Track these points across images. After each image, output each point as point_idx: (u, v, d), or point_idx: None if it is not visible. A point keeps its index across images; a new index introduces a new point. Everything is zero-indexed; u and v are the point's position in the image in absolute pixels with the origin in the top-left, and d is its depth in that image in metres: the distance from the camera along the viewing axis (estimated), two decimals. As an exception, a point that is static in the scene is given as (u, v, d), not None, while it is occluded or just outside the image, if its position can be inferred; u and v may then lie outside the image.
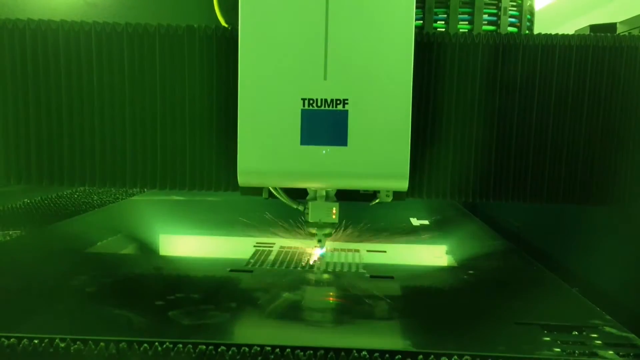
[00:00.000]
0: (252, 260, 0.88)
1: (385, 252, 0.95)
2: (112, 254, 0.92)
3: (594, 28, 0.73)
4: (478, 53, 0.67)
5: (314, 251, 0.82)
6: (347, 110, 0.62)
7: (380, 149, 0.62)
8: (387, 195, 0.69)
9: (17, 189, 0.71)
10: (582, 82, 0.68)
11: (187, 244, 1.05)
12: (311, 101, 0.62)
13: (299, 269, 0.81)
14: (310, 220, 0.71)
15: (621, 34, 0.70)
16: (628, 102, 0.68)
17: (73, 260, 0.84)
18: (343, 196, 0.72)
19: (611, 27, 0.73)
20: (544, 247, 0.95)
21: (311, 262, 0.83)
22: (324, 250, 0.80)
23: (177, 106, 0.69)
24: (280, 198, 0.71)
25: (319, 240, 0.73)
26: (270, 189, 0.70)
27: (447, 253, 0.98)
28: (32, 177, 0.70)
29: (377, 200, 0.71)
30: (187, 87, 0.68)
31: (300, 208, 0.72)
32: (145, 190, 0.72)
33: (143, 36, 0.68)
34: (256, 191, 0.70)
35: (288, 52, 0.61)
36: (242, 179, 0.64)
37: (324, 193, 0.70)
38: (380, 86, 0.62)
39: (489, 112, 0.68)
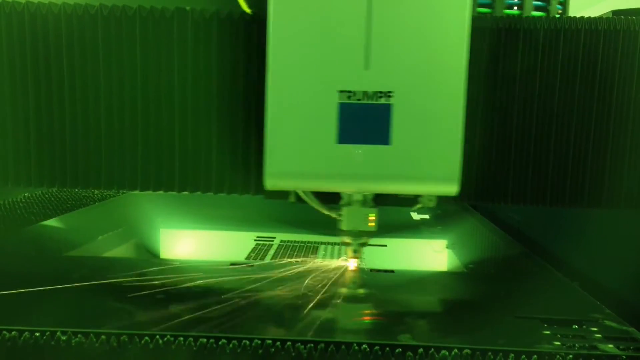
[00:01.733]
0: (252, 255, 0.88)
1: (385, 246, 0.95)
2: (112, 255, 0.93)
3: (616, 13, 0.69)
4: (485, 38, 0.62)
5: (347, 262, 0.70)
6: (391, 104, 0.54)
7: (428, 149, 0.55)
8: (431, 200, 0.62)
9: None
10: (611, 70, 0.62)
11: (187, 238, 1.05)
12: (350, 94, 0.54)
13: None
14: (344, 229, 0.62)
15: None
16: None
17: (72, 255, 0.84)
18: (379, 200, 0.63)
19: (636, 12, 0.69)
20: (544, 241, 0.95)
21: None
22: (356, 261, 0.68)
23: (163, 99, 0.63)
24: (310, 203, 0.63)
25: (355, 251, 0.65)
26: (300, 192, 0.62)
27: (447, 247, 0.98)
28: (20, 173, 0.66)
29: (419, 206, 0.63)
30: (177, 77, 0.63)
31: (333, 214, 0.63)
32: (122, 192, 0.69)
33: (121, 20, 0.62)
34: (282, 194, 0.63)
35: (324, 39, 0.54)
36: (271, 182, 0.57)
37: (360, 197, 0.62)
38: (429, 78, 0.54)
39: (498, 106, 0.63)
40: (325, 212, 0.64)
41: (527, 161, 0.64)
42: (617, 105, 0.64)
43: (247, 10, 0.65)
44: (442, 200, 0.65)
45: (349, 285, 0.67)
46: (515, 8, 0.68)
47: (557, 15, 0.68)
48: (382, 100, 0.55)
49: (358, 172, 0.56)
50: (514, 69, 0.63)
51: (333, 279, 0.69)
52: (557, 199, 0.65)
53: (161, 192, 0.70)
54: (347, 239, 0.64)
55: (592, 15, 0.67)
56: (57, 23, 0.63)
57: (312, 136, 0.55)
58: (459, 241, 0.98)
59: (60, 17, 0.63)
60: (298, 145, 0.56)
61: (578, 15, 0.65)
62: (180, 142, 0.64)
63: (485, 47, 0.63)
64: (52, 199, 1.24)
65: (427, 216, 1.18)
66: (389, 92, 0.55)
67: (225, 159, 0.64)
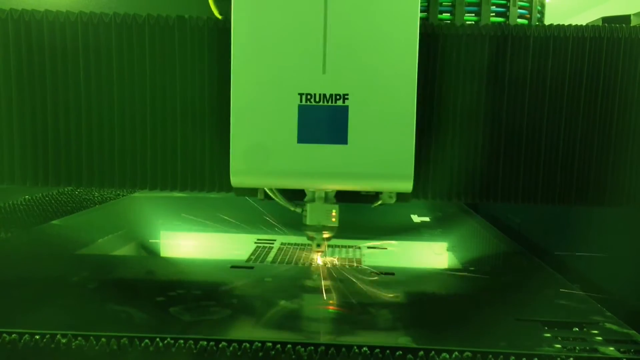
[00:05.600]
0: (252, 257, 0.88)
1: (386, 249, 0.95)
2: (112, 255, 0.92)
3: (606, 20, 0.71)
4: (485, 45, 0.64)
5: (315, 255, 0.77)
6: (347, 106, 0.58)
7: (383, 148, 0.58)
8: (390, 197, 0.64)
9: (16, 186, 0.71)
10: (596, 76, 0.65)
11: (188, 241, 1.05)
12: (309, 96, 0.58)
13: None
14: (308, 224, 0.67)
15: (638, 26, 0.67)
16: None
17: (72, 258, 0.84)
18: (343, 197, 0.67)
19: (625, 18, 0.71)
20: (545, 244, 0.95)
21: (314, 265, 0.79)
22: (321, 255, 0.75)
23: (168, 101, 0.66)
24: (276, 199, 0.67)
25: (318, 245, 0.68)
26: (266, 190, 0.66)
27: (447, 250, 0.98)
28: (15, 176, 0.67)
29: (379, 202, 0.66)
30: (178, 80, 0.65)
31: (298, 210, 0.68)
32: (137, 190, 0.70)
33: (132, 27, 0.65)
34: (251, 192, 0.66)
35: (284, 44, 0.58)
36: (236, 180, 0.61)
37: (323, 194, 0.67)
38: (383, 80, 0.58)
39: (495, 108, 0.65)
40: (292, 208, 0.68)
41: (537, 161, 0.66)
42: (620, 107, 0.65)
43: (219, 16, 0.68)
44: (445, 201, 0.67)
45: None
46: (494, 14, 0.70)
47: (537, 23, 0.71)
48: (339, 103, 0.58)
49: (318, 170, 0.59)
50: (522, 73, 0.65)
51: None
52: (564, 198, 0.67)
53: (161, 193, 0.71)
54: (311, 234, 0.68)
55: (589, 20, 0.69)
56: (62, 30, 0.65)
57: (274, 136, 0.59)
58: (459, 243, 0.98)
59: (65, 24, 0.65)
60: (261, 145, 0.59)
61: (572, 21, 0.67)
62: (181, 143, 0.66)
63: (489, 52, 0.65)
64: (53, 202, 1.24)
65: (427, 218, 1.18)
66: (346, 94, 0.58)
67: (215, 158, 0.66)
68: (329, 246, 0.93)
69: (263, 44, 0.58)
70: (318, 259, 0.76)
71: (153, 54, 0.65)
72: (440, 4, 0.68)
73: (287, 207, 0.68)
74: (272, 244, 0.96)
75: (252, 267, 0.80)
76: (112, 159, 0.67)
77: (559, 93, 0.65)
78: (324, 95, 0.58)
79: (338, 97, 0.58)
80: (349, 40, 0.58)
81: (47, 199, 1.27)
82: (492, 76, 0.65)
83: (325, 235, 0.68)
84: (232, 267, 0.79)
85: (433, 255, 0.98)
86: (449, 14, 0.69)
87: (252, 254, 0.91)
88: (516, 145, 0.66)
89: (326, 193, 0.66)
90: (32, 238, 0.95)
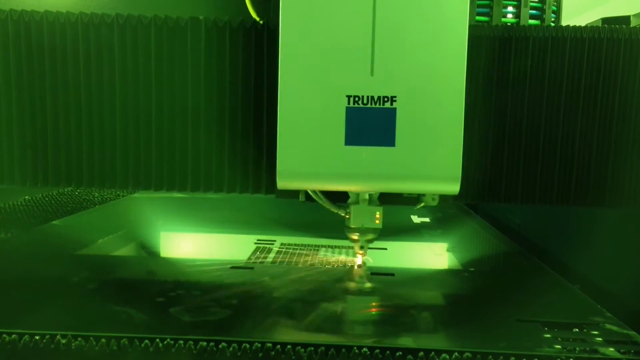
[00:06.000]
0: (252, 257, 0.88)
1: (386, 249, 0.95)
2: (112, 256, 0.92)
3: (606, 21, 0.71)
4: (485, 46, 0.65)
5: (355, 259, 0.75)
6: (395, 109, 0.58)
7: (431, 150, 0.58)
8: (433, 199, 0.65)
9: (16, 187, 0.71)
10: (596, 77, 0.65)
11: (188, 241, 1.05)
12: (357, 98, 0.58)
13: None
14: (352, 226, 0.66)
15: (637, 27, 0.67)
16: None
17: (72, 258, 0.84)
18: (384, 200, 0.67)
19: (625, 19, 0.71)
20: (545, 245, 0.95)
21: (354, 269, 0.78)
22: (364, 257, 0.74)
23: (177, 104, 0.66)
24: (320, 202, 0.67)
25: (361, 247, 0.69)
26: (310, 191, 0.66)
27: (447, 250, 0.98)
28: (15, 177, 0.68)
29: (421, 204, 0.66)
30: (190, 83, 0.66)
31: (341, 212, 0.67)
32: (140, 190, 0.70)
33: (137, 28, 0.65)
34: (293, 194, 0.66)
35: (332, 47, 0.58)
36: (282, 182, 0.60)
37: (367, 196, 0.66)
38: (430, 83, 0.58)
39: (495, 109, 0.66)
40: (334, 210, 0.68)
41: (535, 162, 0.67)
42: (620, 108, 0.66)
43: (258, 19, 0.68)
44: (444, 201, 0.67)
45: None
46: (510, 16, 0.71)
47: (552, 24, 0.71)
48: (387, 105, 0.58)
49: (365, 172, 0.59)
50: (521, 74, 0.66)
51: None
52: (563, 198, 0.67)
53: (160, 193, 0.71)
54: (354, 236, 0.68)
55: (589, 20, 0.69)
56: (63, 31, 0.65)
57: (321, 138, 0.59)
58: (459, 244, 0.98)
59: (65, 25, 0.65)
60: (308, 147, 0.59)
61: (572, 21, 0.68)
62: (193, 145, 0.67)
63: (489, 53, 0.65)
64: (53, 202, 1.24)
65: (427, 219, 1.18)
66: (393, 96, 0.58)
67: (237, 162, 0.67)
68: (327, 246, 0.93)
69: (310, 46, 0.58)
70: (358, 260, 0.74)
71: (158, 55, 0.65)
72: None
73: (329, 209, 0.68)
74: (272, 244, 0.96)
75: (252, 268, 0.80)
76: (113, 160, 0.67)
77: (557, 93, 0.66)
78: (372, 97, 0.58)
79: (386, 99, 0.58)
80: (396, 42, 0.58)
81: (47, 199, 1.27)
82: (490, 77, 0.65)
83: (369, 237, 0.68)
84: (232, 267, 0.79)
85: (433, 255, 0.98)
86: (486, 17, 0.69)
87: (252, 254, 0.91)
88: (515, 146, 0.67)
89: (370, 195, 0.66)
90: (32, 238, 0.95)
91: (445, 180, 0.60)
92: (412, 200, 0.67)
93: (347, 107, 0.58)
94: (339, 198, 0.68)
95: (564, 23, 0.67)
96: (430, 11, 0.58)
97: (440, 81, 0.58)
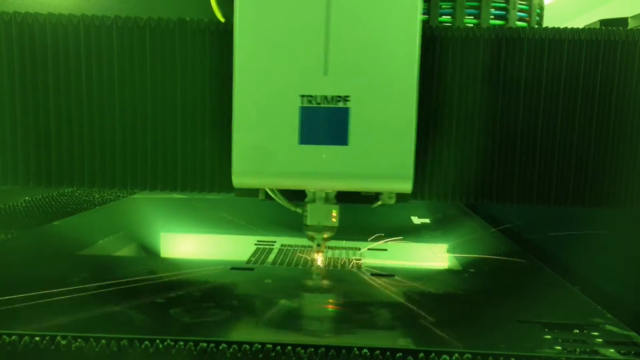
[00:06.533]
0: (252, 259, 0.88)
1: (386, 250, 0.95)
2: (112, 256, 0.92)
3: (604, 23, 0.71)
4: (481, 48, 0.65)
5: (316, 255, 0.78)
6: (348, 108, 0.59)
7: (383, 149, 0.59)
8: (390, 197, 0.65)
9: (18, 187, 0.71)
10: (593, 79, 0.65)
11: (187, 242, 1.05)
12: (310, 98, 0.59)
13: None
14: (308, 224, 0.68)
15: (634, 29, 0.68)
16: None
17: (72, 259, 0.84)
18: (343, 198, 0.68)
19: (622, 21, 0.72)
20: (545, 245, 0.95)
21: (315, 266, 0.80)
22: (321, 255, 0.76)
23: (169, 103, 0.67)
24: (278, 200, 0.68)
25: (318, 245, 0.70)
26: (267, 190, 0.67)
27: (447, 251, 0.98)
28: (19, 177, 0.68)
29: (379, 203, 0.67)
30: (179, 82, 0.66)
31: (299, 210, 0.69)
32: (137, 190, 0.70)
33: (133, 30, 0.66)
34: (252, 192, 0.67)
35: (286, 47, 0.58)
36: (237, 180, 0.61)
37: (324, 195, 0.67)
38: (383, 82, 0.59)
39: (492, 109, 0.66)
40: (292, 208, 0.69)
41: (532, 162, 0.67)
42: (617, 108, 0.66)
43: (221, 19, 0.69)
44: (444, 203, 0.67)
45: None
46: (493, 17, 0.71)
47: (536, 26, 0.72)
48: (340, 104, 0.59)
49: (319, 171, 0.60)
50: (517, 75, 0.66)
51: None
52: (560, 199, 0.67)
53: (160, 194, 0.71)
54: (311, 233, 0.69)
55: (588, 22, 0.69)
56: (65, 33, 0.66)
57: (276, 137, 0.59)
58: (459, 245, 0.98)
59: (67, 26, 0.66)
60: (263, 146, 0.60)
61: (570, 24, 0.68)
62: (181, 145, 0.67)
63: (485, 55, 0.65)
64: (53, 203, 1.24)
65: (427, 220, 1.18)
66: (347, 96, 0.59)
67: (215, 160, 0.67)
68: (331, 247, 0.93)
69: (265, 46, 0.59)
70: (318, 259, 0.77)
71: (154, 56, 0.66)
72: (441, 7, 0.69)
73: (287, 208, 0.69)
74: (273, 245, 0.96)
75: (252, 269, 0.80)
76: (113, 160, 0.68)
77: (554, 95, 0.66)
78: (325, 97, 0.59)
79: (339, 98, 0.59)
80: (350, 42, 0.58)
81: (47, 200, 1.27)
82: (488, 78, 0.66)
83: (325, 235, 0.69)
84: (232, 268, 0.79)
85: (433, 256, 0.98)
86: (449, 17, 0.69)
87: (252, 255, 0.91)
88: (515, 147, 0.67)
89: (327, 193, 0.67)
90: (32, 239, 0.95)
91: (398, 179, 0.60)
92: (369, 198, 0.68)
93: (301, 107, 0.59)
94: (298, 196, 0.69)
95: (562, 25, 0.67)
96: (383, 11, 0.58)
97: (392, 81, 0.59)
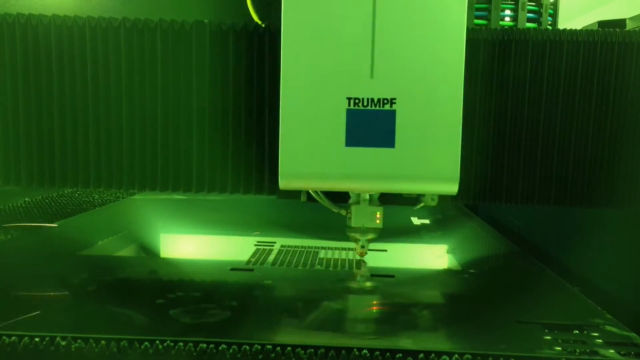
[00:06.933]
0: (252, 259, 0.88)
1: (386, 250, 0.95)
2: (112, 257, 0.92)
3: (602, 24, 0.72)
4: (481, 48, 0.65)
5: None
6: (394, 110, 0.59)
7: (430, 151, 0.59)
8: (433, 199, 0.66)
9: (17, 188, 0.71)
10: (590, 79, 0.66)
11: (188, 243, 1.05)
12: (357, 100, 0.59)
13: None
14: (353, 225, 0.68)
15: (631, 30, 0.68)
16: (638, 100, 0.66)
17: (71, 260, 0.84)
18: (385, 200, 0.68)
19: (620, 23, 0.72)
20: (545, 246, 0.95)
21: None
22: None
23: (172, 104, 0.67)
24: (321, 202, 0.68)
25: (362, 246, 0.70)
26: (311, 192, 0.67)
27: (447, 252, 0.98)
28: (22, 178, 0.68)
29: (421, 204, 0.67)
30: (195, 86, 0.66)
31: (342, 212, 0.69)
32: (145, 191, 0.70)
33: (143, 32, 0.66)
34: (295, 194, 0.67)
35: (333, 49, 0.59)
36: (284, 182, 0.61)
37: (367, 197, 0.67)
38: (429, 85, 0.59)
39: (492, 110, 0.66)
40: (335, 210, 0.69)
41: (532, 163, 0.67)
42: (615, 109, 0.66)
43: (259, 22, 0.69)
44: (445, 203, 0.67)
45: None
46: (508, 19, 0.71)
47: (549, 27, 0.72)
48: (387, 107, 0.59)
49: (365, 173, 0.60)
50: (520, 76, 0.66)
51: None
52: (560, 199, 0.68)
53: (160, 195, 0.72)
54: (355, 235, 0.69)
55: (586, 23, 0.70)
56: (70, 34, 0.66)
57: (322, 140, 0.60)
58: (459, 246, 0.98)
59: (72, 28, 0.66)
60: (309, 148, 0.60)
61: (569, 24, 0.69)
62: (197, 146, 0.68)
63: (489, 56, 0.66)
64: (53, 204, 1.24)
65: (427, 221, 1.18)
66: (393, 98, 0.59)
67: (241, 163, 0.68)
68: (330, 248, 0.93)
69: (311, 48, 0.59)
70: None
71: (164, 58, 0.66)
72: None
73: (330, 209, 0.69)
74: (272, 246, 0.96)
75: (252, 270, 0.80)
76: (119, 161, 0.68)
77: (554, 95, 0.66)
78: (372, 99, 0.59)
79: (385, 101, 0.59)
80: (396, 45, 0.59)
81: (47, 201, 1.27)
82: (488, 79, 0.66)
83: (369, 237, 0.69)
84: (232, 269, 0.79)
85: (433, 257, 0.98)
86: (484, 20, 0.70)
87: (252, 256, 0.91)
88: (514, 147, 0.67)
89: (370, 195, 0.67)
90: (32, 240, 0.95)
91: (444, 181, 0.61)
92: (411, 200, 0.68)
93: (347, 109, 0.59)
94: (340, 198, 0.69)
95: (561, 26, 0.67)
96: (429, 14, 0.58)
97: (438, 83, 0.59)
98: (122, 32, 0.66)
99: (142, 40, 0.66)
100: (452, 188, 0.61)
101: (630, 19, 0.73)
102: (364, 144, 0.60)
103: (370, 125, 0.59)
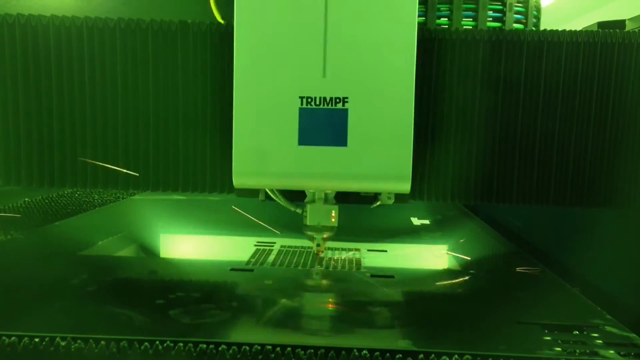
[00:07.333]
0: (252, 260, 0.88)
1: (386, 251, 0.95)
2: (112, 257, 0.92)
3: (602, 25, 0.72)
4: (479, 50, 0.66)
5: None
6: (347, 109, 0.59)
7: (382, 150, 0.60)
8: (389, 198, 0.66)
9: (17, 188, 0.71)
10: (590, 80, 0.66)
11: (187, 243, 1.05)
12: (309, 99, 0.59)
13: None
14: (308, 224, 0.69)
15: (631, 31, 0.68)
16: (637, 101, 0.66)
17: (71, 260, 0.84)
18: (342, 199, 0.69)
19: (620, 24, 0.72)
20: (545, 247, 0.95)
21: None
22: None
23: (171, 104, 0.67)
24: (277, 200, 0.68)
25: (318, 245, 0.70)
26: (267, 190, 0.67)
27: (447, 252, 0.98)
28: (22, 177, 0.68)
29: (378, 203, 0.68)
30: (181, 84, 0.66)
31: (298, 211, 0.69)
32: (145, 191, 0.71)
33: (136, 32, 0.66)
34: (252, 193, 0.67)
35: (285, 49, 0.59)
36: (238, 181, 0.62)
37: (323, 195, 0.68)
38: (381, 84, 0.59)
39: (491, 111, 0.66)
40: (292, 208, 0.70)
41: (531, 163, 0.67)
42: (614, 110, 0.66)
43: (221, 21, 0.69)
44: (444, 204, 0.67)
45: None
46: (490, 19, 0.71)
47: (533, 28, 0.72)
48: (339, 106, 0.59)
49: (318, 172, 0.61)
50: (516, 76, 0.66)
51: None
52: (558, 199, 0.68)
53: (160, 195, 0.72)
54: (311, 233, 0.69)
55: (586, 24, 0.70)
56: (68, 35, 0.66)
57: (275, 138, 0.60)
58: (459, 246, 0.98)
59: (70, 29, 0.66)
60: (262, 147, 0.60)
61: (568, 25, 0.69)
62: (198, 147, 0.68)
63: (484, 57, 0.66)
64: (53, 204, 1.24)
65: (427, 221, 1.18)
66: (345, 97, 0.59)
67: (216, 161, 0.68)
68: (330, 248, 0.93)
69: (264, 47, 0.59)
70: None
71: (156, 58, 0.66)
72: (438, 10, 0.69)
73: (287, 208, 0.69)
74: (272, 246, 0.96)
75: (252, 270, 0.80)
76: (116, 161, 0.68)
77: (553, 96, 0.66)
78: (324, 98, 0.59)
79: (338, 100, 0.59)
80: (348, 44, 0.59)
81: (46, 201, 1.27)
82: (487, 80, 0.66)
83: (325, 235, 0.69)
84: (232, 269, 0.79)
85: (433, 257, 0.98)
86: (446, 19, 0.70)
87: (252, 256, 0.91)
88: (513, 148, 0.67)
89: (326, 194, 0.68)
90: (31, 240, 0.95)
91: (396, 179, 0.61)
92: (368, 199, 0.68)
93: (300, 108, 0.60)
94: (298, 197, 0.69)
95: (561, 27, 0.68)
96: (381, 13, 0.59)
97: (390, 83, 0.59)
98: (118, 33, 0.66)
99: (136, 41, 0.66)
100: (405, 186, 0.61)
101: (630, 19, 0.73)
102: (316, 142, 0.60)
103: (323, 124, 0.60)
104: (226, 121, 0.65)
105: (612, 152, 0.67)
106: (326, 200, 0.68)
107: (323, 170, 0.61)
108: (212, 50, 0.66)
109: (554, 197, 0.68)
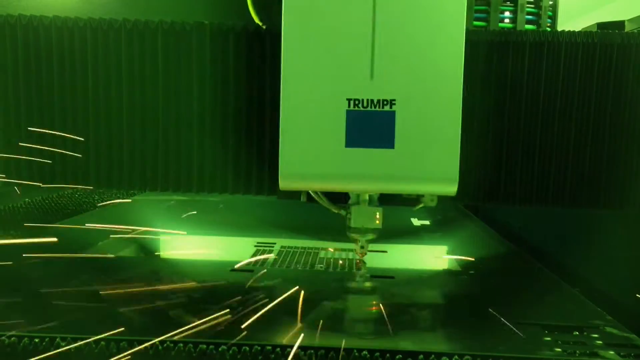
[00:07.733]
0: (252, 260, 0.88)
1: (386, 252, 0.95)
2: (112, 257, 0.92)
3: (601, 26, 0.72)
4: (479, 50, 0.66)
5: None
6: (394, 111, 0.59)
7: (429, 152, 0.60)
8: (432, 200, 0.66)
9: (17, 189, 0.71)
10: (589, 81, 0.66)
11: (188, 244, 1.05)
12: (357, 102, 0.59)
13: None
14: (352, 226, 0.68)
15: (629, 32, 0.69)
16: (636, 102, 0.66)
17: (71, 260, 0.84)
18: (386, 201, 0.68)
19: (619, 24, 0.72)
20: (545, 248, 0.95)
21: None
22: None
23: (183, 106, 0.67)
24: (321, 202, 0.68)
25: (362, 247, 0.70)
26: (311, 192, 0.67)
27: (447, 253, 0.98)
28: (22, 178, 0.69)
29: (421, 205, 0.67)
30: (196, 87, 0.67)
31: (342, 213, 0.69)
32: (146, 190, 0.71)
33: (144, 33, 0.66)
34: (295, 195, 0.67)
35: (333, 51, 0.59)
36: (284, 183, 0.61)
37: (367, 197, 0.67)
38: (429, 86, 0.59)
39: (491, 111, 0.67)
40: (335, 210, 0.69)
41: (531, 164, 0.68)
42: (613, 111, 0.67)
43: (260, 23, 0.70)
44: (446, 203, 0.68)
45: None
46: (507, 21, 0.72)
47: (548, 29, 0.73)
48: (386, 108, 0.59)
49: (364, 174, 0.60)
50: (518, 77, 0.67)
51: None
52: (558, 200, 0.68)
53: (161, 196, 0.73)
54: (355, 236, 0.69)
55: (585, 25, 0.70)
56: (71, 35, 0.67)
57: (322, 140, 0.60)
58: (459, 247, 0.98)
59: (73, 29, 0.67)
60: (309, 149, 0.60)
61: (568, 25, 0.69)
62: (198, 147, 0.68)
63: (487, 58, 0.67)
64: (53, 204, 1.24)
65: (427, 222, 1.18)
66: (393, 100, 0.59)
67: (241, 164, 0.68)
68: (324, 250, 0.93)
69: (312, 49, 0.59)
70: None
71: (165, 59, 0.67)
72: None
73: (330, 210, 0.69)
74: (272, 247, 0.96)
75: (251, 270, 0.80)
76: (120, 161, 0.68)
77: (552, 96, 0.67)
78: (372, 100, 0.59)
79: (385, 102, 0.59)
80: (395, 47, 0.59)
81: (46, 202, 1.27)
82: (487, 80, 0.66)
83: (369, 237, 0.69)
84: (232, 270, 0.79)
85: (433, 258, 0.98)
86: (483, 22, 0.71)
87: (252, 257, 0.91)
88: (510, 147, 0.68)
89: (370, 196, 0.67)
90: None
91: (443, 182, 0.61)
92: (411, 201, 0.68)
93: (347, 110, 0.59)
94: (340, 199, 0.69)
95: (559, 28, 0.68)
96: (429, 15, 0.59)
97: (438, 84, 0.59)
98: (123, 34, 0.66)
99: (143, 42, 0.66)
100: (451, 189, 0.61)
101: (629, 20, 0.73)
102: (363, 144, 0.60)
103: (370, 126, 0.59)
104: (228, 121, 0.65)
105: (612, 153, 0.67)
106: (370, 202, 0.68)
107: (370, 173, 0.60)
108: (216, 51, 0.66)
109: (554, 198, 0.68)
